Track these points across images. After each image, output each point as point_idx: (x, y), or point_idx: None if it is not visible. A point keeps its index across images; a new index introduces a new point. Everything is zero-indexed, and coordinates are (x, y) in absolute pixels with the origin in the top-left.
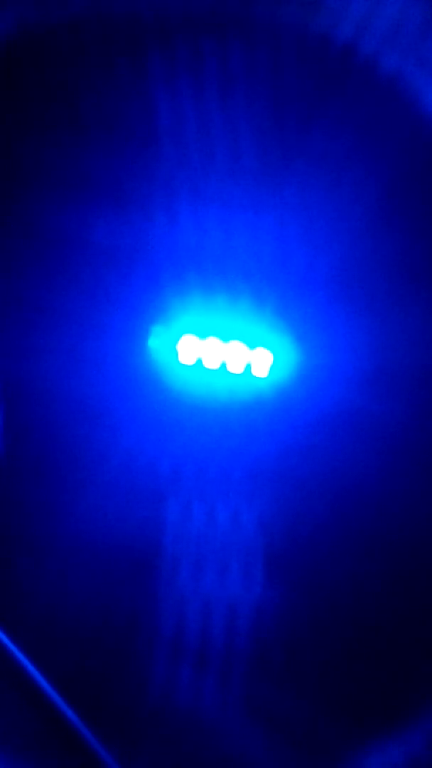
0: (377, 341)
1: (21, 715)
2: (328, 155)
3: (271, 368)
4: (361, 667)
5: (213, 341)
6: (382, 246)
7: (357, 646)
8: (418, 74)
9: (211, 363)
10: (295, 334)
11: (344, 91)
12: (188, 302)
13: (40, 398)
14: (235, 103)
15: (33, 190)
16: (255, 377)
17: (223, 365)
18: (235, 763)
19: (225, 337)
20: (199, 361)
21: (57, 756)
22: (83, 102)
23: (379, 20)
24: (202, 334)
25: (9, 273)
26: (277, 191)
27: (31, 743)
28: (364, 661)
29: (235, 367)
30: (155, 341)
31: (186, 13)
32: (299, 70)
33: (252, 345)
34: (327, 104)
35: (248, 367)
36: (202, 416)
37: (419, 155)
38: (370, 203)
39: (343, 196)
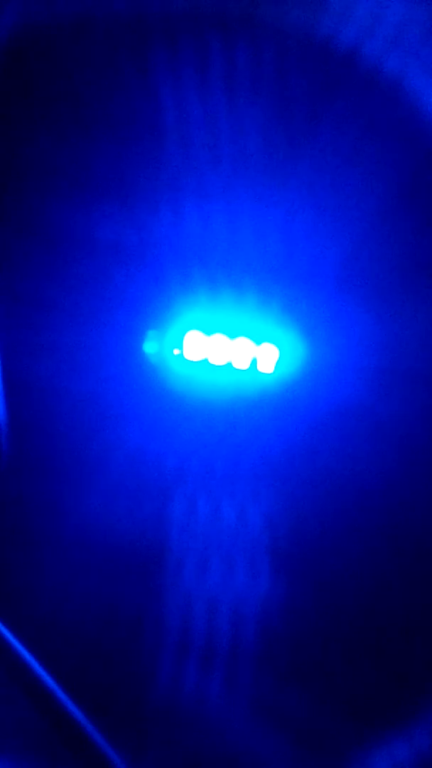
0: (384, 337)
1: (26, 713)
2: (332, 154)
3: (277, 364)
4: (367, 664)
5: (219, 337)
6: (388, 242)
7: (362, 643)
8: (420, 76)
9: (217, 359)
10: (301, 329)
11: (348, 92)
12: (194, 298)
13: (45, 395)
14: (240, 103)
15: (37, 187)
16: (261, 373)
17: (229, 361)
18: (241, 761)
19: (231, 333)
20: (205, 358)
21: (62, 755)
22: (88, 99)
23: (383, 23)
24: (208, 331)
25: (14, 270)
26: (283, 189)
27: (37, 742)
28: (369, 659)
29: (241, 363)
30: (161, 338)
31: (191, 12)
32: (303, 71)
33: (258, 341)
34: (331, 104)
35: (254, 363)
36: (208, 412)
37: (422, 155)
38: (376, 201)
39: (348, 194)
